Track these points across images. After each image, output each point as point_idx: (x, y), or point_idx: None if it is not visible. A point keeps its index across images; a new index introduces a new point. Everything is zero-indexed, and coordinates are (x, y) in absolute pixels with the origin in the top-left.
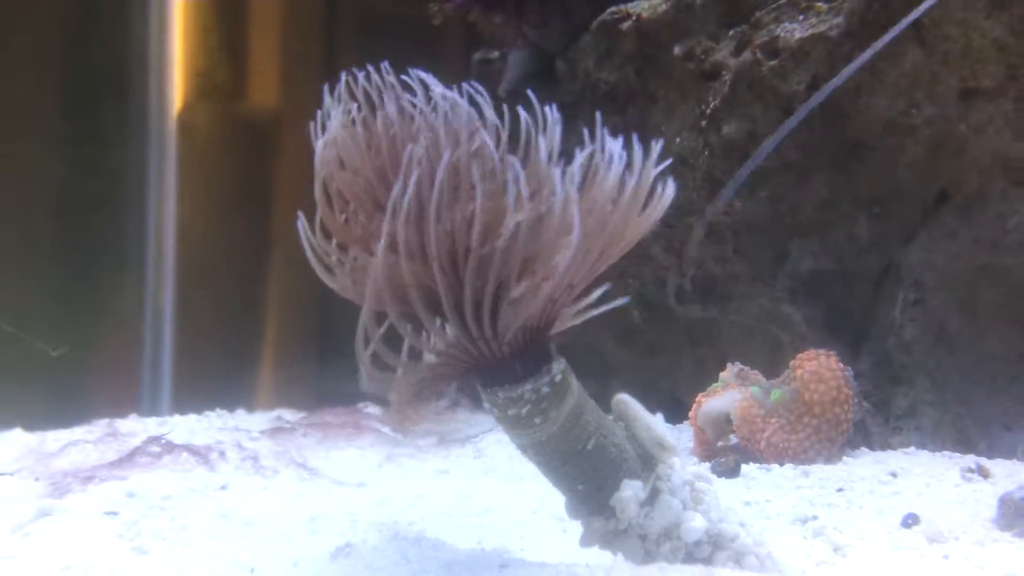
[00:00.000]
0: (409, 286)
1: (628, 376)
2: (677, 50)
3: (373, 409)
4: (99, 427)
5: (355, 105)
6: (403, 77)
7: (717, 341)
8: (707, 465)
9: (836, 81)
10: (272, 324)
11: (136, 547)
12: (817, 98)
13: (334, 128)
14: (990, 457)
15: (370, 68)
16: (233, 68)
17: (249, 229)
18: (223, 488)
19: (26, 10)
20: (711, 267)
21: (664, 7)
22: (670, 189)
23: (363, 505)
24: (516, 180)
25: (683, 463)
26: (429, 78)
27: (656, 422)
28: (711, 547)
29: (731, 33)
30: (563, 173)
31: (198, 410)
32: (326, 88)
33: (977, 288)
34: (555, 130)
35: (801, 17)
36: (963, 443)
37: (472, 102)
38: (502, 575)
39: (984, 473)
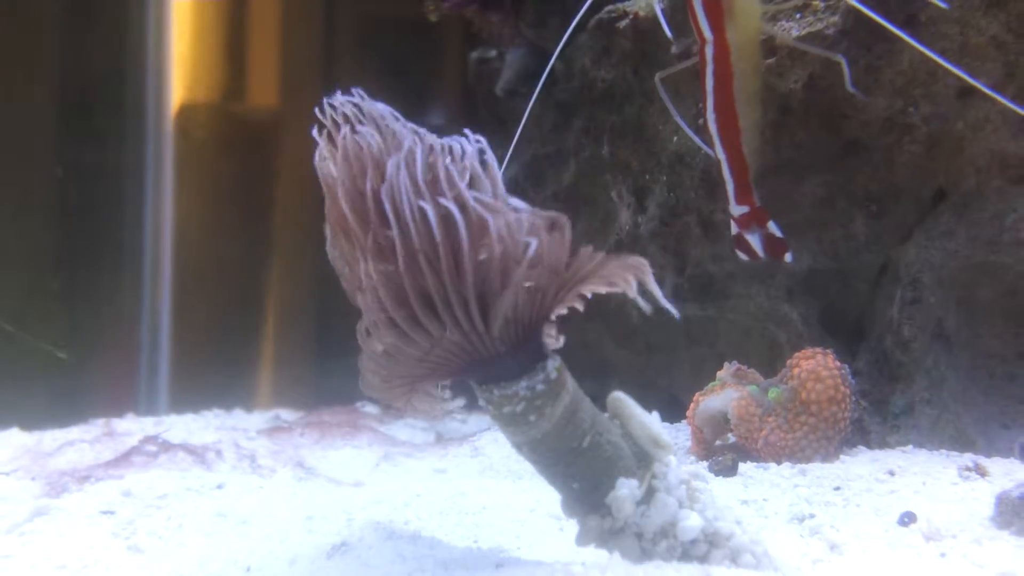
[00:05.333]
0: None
1: (626, 375)
2: (674, 49)
3: (371, 408)
4: (96, 427)
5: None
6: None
7: (715, 340)
8: (705, 464)
9: None
10: (270, 324)
11: (132, 546)
12: None
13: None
14: (988, 455)
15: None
16: (231, 68)
17: (247, 229)
18: (219, 487)
19: (22, 10)
20: (708, 266)
21: (661, 6)
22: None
23: (360, 504)
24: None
25: (679, 461)
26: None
27: (651, 419)
28: (707, 545)
29: None
30: None
31: (195, 410)
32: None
33: (975, 286)
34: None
35: (798, 15)
36: (961, 441)
37: None
38: (498, 574)
39: (982, 471)
